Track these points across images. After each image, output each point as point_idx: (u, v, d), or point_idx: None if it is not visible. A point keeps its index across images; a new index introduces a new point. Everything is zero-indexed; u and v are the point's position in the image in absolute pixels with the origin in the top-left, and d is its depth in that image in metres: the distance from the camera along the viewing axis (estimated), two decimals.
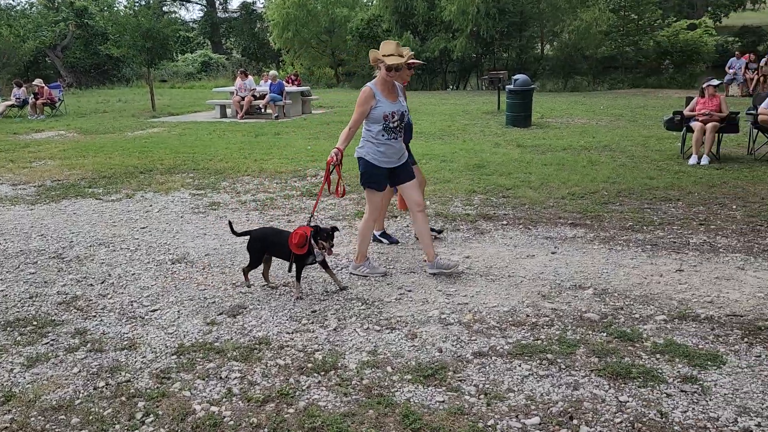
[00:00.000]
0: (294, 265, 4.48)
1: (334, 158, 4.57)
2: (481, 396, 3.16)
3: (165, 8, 44.54)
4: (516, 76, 14.07)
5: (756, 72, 20.38)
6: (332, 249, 4.49)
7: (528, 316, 4.10)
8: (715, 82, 9.49)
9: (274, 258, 4.70)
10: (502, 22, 25.02)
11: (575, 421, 2.94)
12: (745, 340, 3.70)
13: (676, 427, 2.87)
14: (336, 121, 14.95)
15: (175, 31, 23.02)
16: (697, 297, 4.35)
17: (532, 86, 13.88)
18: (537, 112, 15.59)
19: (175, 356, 3.65)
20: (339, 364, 3.50)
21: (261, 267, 4.69)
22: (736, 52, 21.75)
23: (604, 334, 3.80)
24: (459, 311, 4.18)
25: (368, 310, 4.24)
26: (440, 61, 27.56)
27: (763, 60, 20.39)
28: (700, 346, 3.63)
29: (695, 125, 9.29)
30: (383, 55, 4.55)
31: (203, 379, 3.38)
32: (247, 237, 4.68)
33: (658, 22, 28.63)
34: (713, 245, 5.43)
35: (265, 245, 4.60)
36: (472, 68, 28.77)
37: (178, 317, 4.19)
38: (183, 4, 49.86)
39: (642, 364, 3.43)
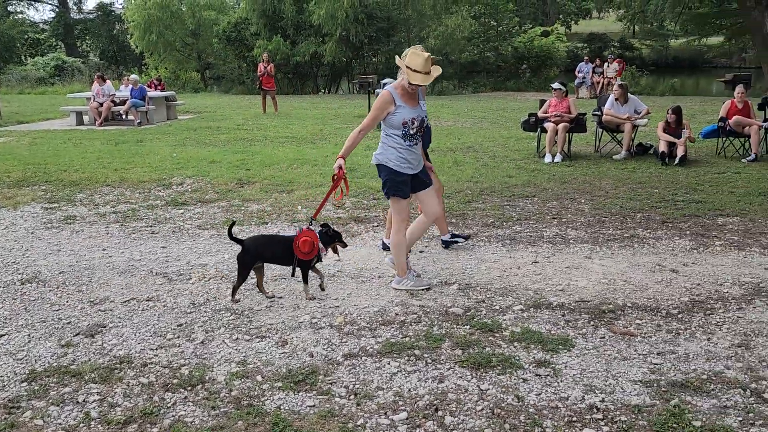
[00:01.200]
0: (298, 270, 4.42)
1: (343, 172, 4.39)
2: (351, 396, 3.21)
3: (10, 8, 41.00)
4: (384, 80, 14.33)
5: (601, 75, 22.20)
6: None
7: (397, 314, 4.21)
8: (556, 85, 10.26)
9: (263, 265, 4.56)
10: (370, 27, 25.45)
11: (440, 413, 3.06)
12: (592, 323, 4.03)
13: (531, 409, 3.08)
14: (203, 126, 14.51)
15: (22, 33, 21.27)
16: (551, 286, 4.67)
17: None
18: None
19: (25, 383, 3.38)
20: (207, 378, 3.42)
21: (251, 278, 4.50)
22: (585, 57, 23.57)
23: (468, 327, 3.99)
24: (330, 315, 4.22)
25: (237, 320, 4.16)
26: (311, 65, 27.57)
27: (606, 64, 22.25)
28: (552, 332, 3.90)
29: (548, 126, 9.98)
30: (409, 68, 4.26)
31: (58, 405, 3.16)
32: (239, 245, 4.45)
33: (516, 29, 30.45)
34: (564, 237, 5.86)
35: (258, 255, 4.42)
36: (344, 72, 29.05)
37: (29, 341, 3.88)
38: (31, 4, 46.14)
39: (501, 352, 3.64)
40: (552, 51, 28.15)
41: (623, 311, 4.20)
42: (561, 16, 52.39)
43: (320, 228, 4.54)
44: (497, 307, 4.30)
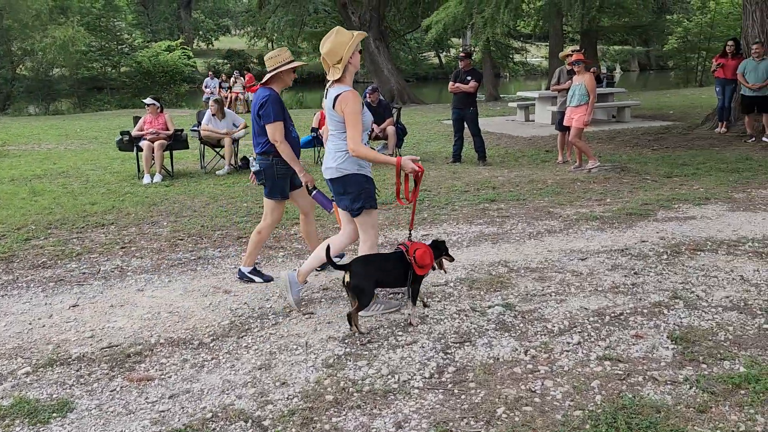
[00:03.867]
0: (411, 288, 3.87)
1: (421, 167, 3.84)
2: None
3: None
4: None
5: (229, 90, 22.36)
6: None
7: None
8: (149, 101, 9.67)
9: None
10: None
11: None
12: (109, 374, 3.47)
13: None
14: None
15: None
16: (80, 334, 3.99)
17: None
18: None
19: None
20: None
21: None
22: (209, 72, 23.49)
23: None
24: None
25: None
26: None
27: (232, 79, 22.51)
28: (54, 396, 3.23)
29: (144, 144, 9.31)
30: (351, 55, 3.77)
31: None
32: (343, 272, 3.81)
33: (142, 44, 28.94)
34: (124, 269, 5.24)
35: (376, 276, 3.75)
36: None
37: None
38: None
39: None
40: (179, 66, 27.37)
41: (152, 350, 3.73)
42: (201, 33, 52.12)
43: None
44: None
